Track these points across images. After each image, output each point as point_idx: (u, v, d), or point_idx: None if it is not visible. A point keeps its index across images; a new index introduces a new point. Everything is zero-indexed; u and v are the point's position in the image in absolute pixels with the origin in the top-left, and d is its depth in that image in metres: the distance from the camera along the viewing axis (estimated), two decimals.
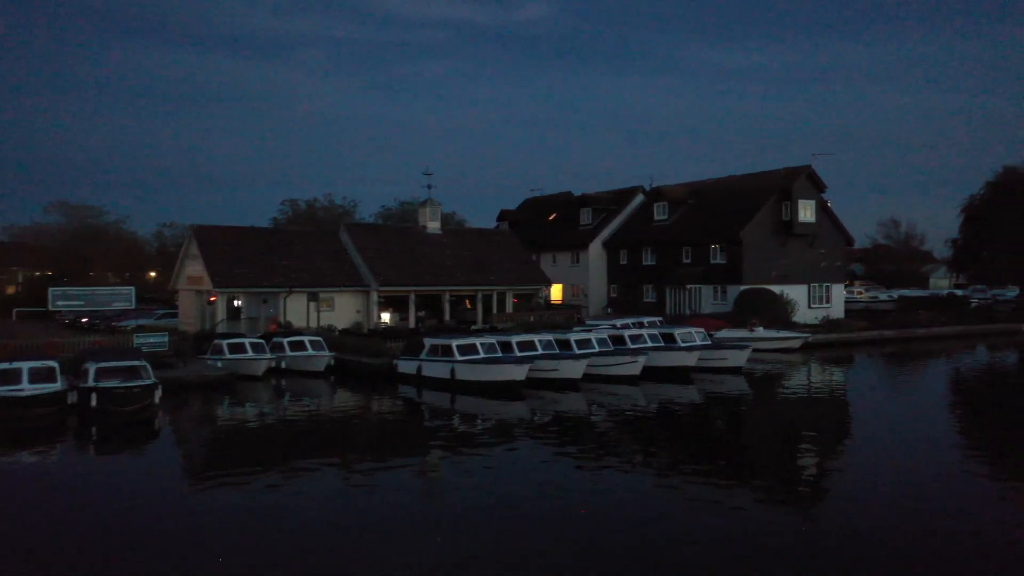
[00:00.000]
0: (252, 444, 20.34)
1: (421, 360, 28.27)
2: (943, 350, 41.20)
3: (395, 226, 51.35)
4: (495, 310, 44.40)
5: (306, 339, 32.08)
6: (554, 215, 63.25)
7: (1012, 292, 72.58)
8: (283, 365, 31.16)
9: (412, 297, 42.07)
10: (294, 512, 13.73)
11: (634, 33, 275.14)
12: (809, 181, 46.70)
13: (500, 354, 27.42)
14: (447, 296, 43.35)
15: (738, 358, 30.29)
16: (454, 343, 27.13)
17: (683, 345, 30.50)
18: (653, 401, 25.55)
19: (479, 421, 23.10)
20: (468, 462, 17.71)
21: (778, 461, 18.19)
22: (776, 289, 45.16)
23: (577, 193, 62.95)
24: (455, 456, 18.43)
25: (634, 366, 27.95)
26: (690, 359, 29.26)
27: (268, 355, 30.47)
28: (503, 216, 68.10)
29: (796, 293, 46.44)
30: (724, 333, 37.97)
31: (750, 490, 15.17)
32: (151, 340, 29.79)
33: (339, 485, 15.95)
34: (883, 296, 77.50)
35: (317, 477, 16.41)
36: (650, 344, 30.41)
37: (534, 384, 26.46)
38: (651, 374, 28.53)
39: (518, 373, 25.73)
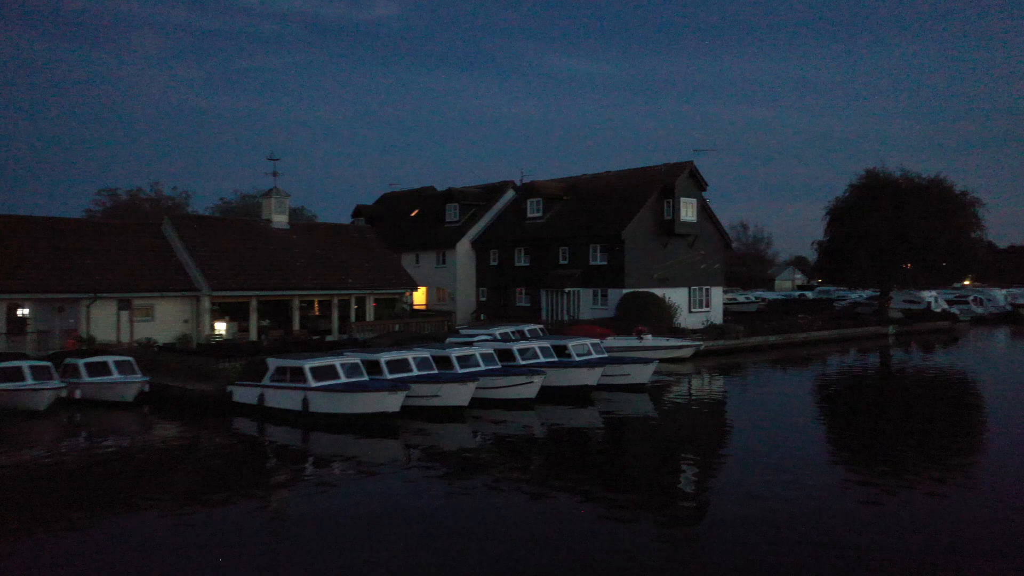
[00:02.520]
0: (10, 504, 13.83)
1: (264, 386, 22.24)
2: (823, 355, 40.32)
3: (234, 219, 44.13)
4: (353, 318, 38.57)
5: (110, 360, 25.07)
6: (416, 211, 57.97)
7: (857, 294, 75.27)
8: (78, 395, 24.07)
9: (254, 303, 35.43)
10: None
11: (484, 38, 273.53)
12: (691, 178, 44.31)
13: (366, 378, 21.95)
14: (296, 302, 37.03)
15: (642, 374, 26.48)
16: (307, 365, 21.34)
17: (579, 360, 26.32)
18: (555, 429, 21.14)
19: (338, 465, 17.73)
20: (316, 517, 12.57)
21: (692, 488, 14.34)
22: (658, 292, 42.38)
23: (441, 188, 58.03)
24: (297, 512, 13.18)
25: (530, 388, 23.36)
26: (591, 377, 25.05)
27: (55, 383, 23.33)
28: (359, 212, 61.97)
29: (677, 297, 43.90)
30: (611, 341, 34.39)
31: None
32: None
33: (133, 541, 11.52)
34: (741, 298, 78.12)
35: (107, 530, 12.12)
36: (543, 360, 25.98)
37: (410, 413, 21.25)
38: (545, 395, 24.10)
39: (391, 403, 20.41)
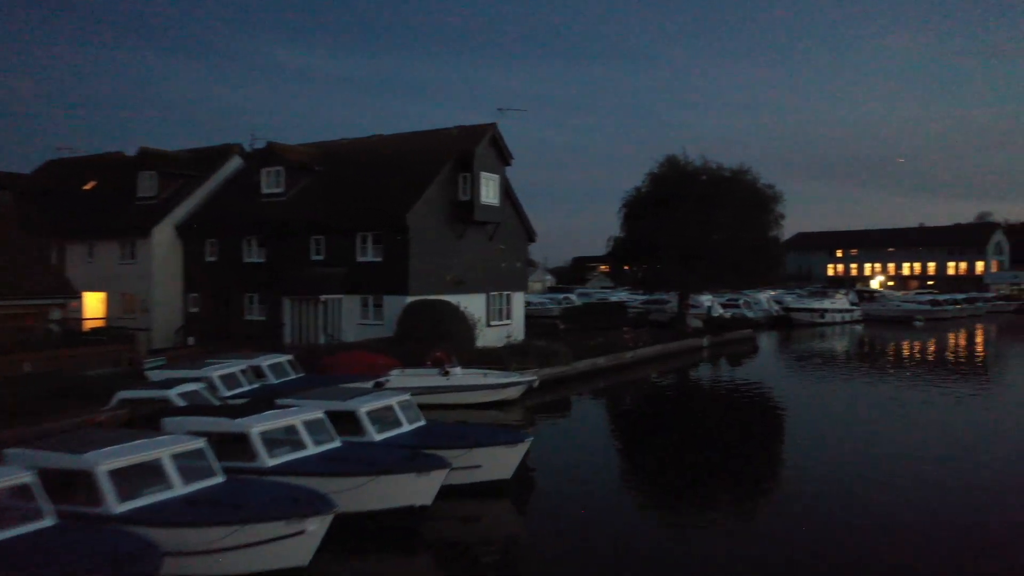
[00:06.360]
0: None
1: None
2: (650, 376, 32.52)
3: None
4: None
5: None
6: (94, 183, 40.63)
7: (616, 295, 70.60)
8: None
9: None
10: None
11: (204, 22, 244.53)
12: (493, 147, 33.23)
13: None
14: None
15: (504, 463, 14.35)
16: None
17: (381, 440, 13.71)
18: None
19: None
20: None
21: None
22: (452, 301, 30.81)
23: (133, 152, 41.15)
24: None
25: (298, 545, 10.19)
26: (423, 492, 12.24)
27: None
28: (5, 183, 42.50)
29: (474, 305, 32.64)
30: (399, 378, 22.27)
31: None
32: None
33: None
34: None
35: None
36: (313, 450, 12.86)
37: None
38: (338, 528, 11.04)
39: None
